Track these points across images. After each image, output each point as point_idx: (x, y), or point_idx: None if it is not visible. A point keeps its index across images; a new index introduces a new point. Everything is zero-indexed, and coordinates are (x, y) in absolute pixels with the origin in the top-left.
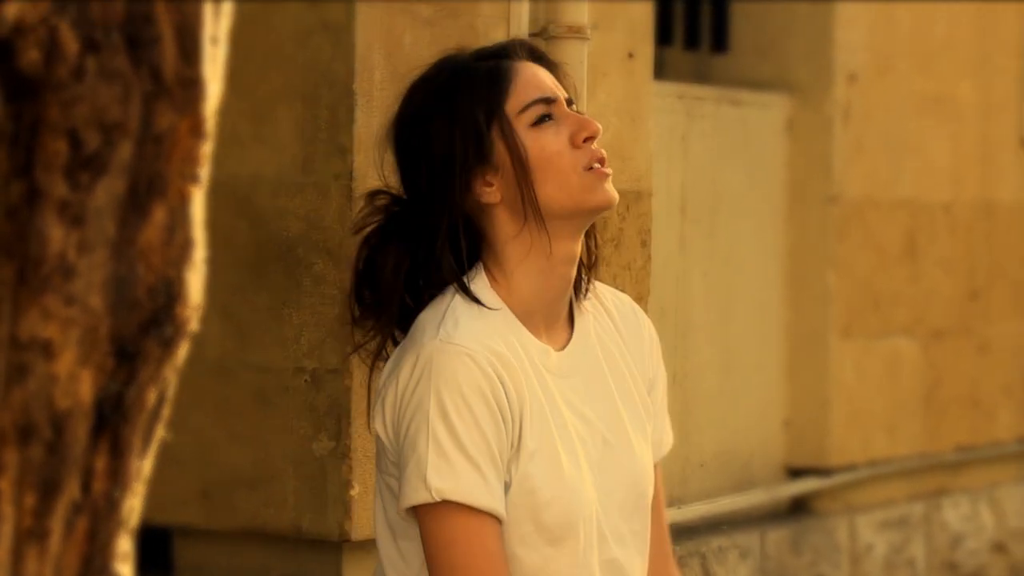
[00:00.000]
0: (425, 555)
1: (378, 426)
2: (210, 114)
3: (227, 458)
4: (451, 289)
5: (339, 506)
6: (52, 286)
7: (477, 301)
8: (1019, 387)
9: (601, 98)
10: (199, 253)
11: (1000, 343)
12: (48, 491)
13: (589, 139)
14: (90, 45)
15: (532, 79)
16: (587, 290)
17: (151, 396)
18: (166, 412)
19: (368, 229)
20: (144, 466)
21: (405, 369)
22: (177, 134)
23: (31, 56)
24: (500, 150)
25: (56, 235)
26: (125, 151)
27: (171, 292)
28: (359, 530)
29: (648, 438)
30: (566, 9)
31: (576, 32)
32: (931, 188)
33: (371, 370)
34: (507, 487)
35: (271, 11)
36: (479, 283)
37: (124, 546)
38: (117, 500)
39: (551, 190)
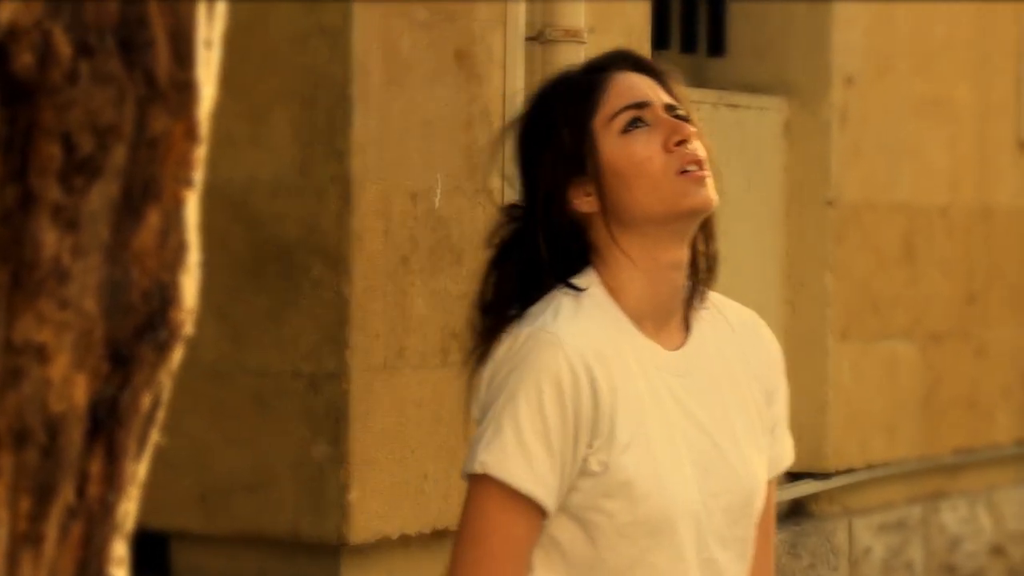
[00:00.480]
0: (459, 523)
1: (474, 412)
2: (204, 117)
3: (224, 462)
4: (561, 290)
5: (337, 510)
6: (46, 290)
7: (575, 289)
8: (1017, 390)
9: None
10: (193, 257)
11: (998, 346)
12: (43, 495)
13: (682, 142)
14: (83, 49)
15: (624, 87)
16: (702, 298)
17: (146, 400)
18: (161, 416)
19: (497, 241)
20: (139, 470)
21: (499, 353)
22: (171, 138)
23: (24, 60)
24: (592, 161)
25: (50, 239)
26: (119, 155)
27: (165, 296)
28: (357, 534)
29: (761, 450)
30: (563, 13)
31: (573, 36)
32: (929, 191)
33: (473, 371)
34: (600, 475)
35: (268, 14)
36: (587, 282)
37: (119, 550)
38: (112, 504)
39: (642, 196)
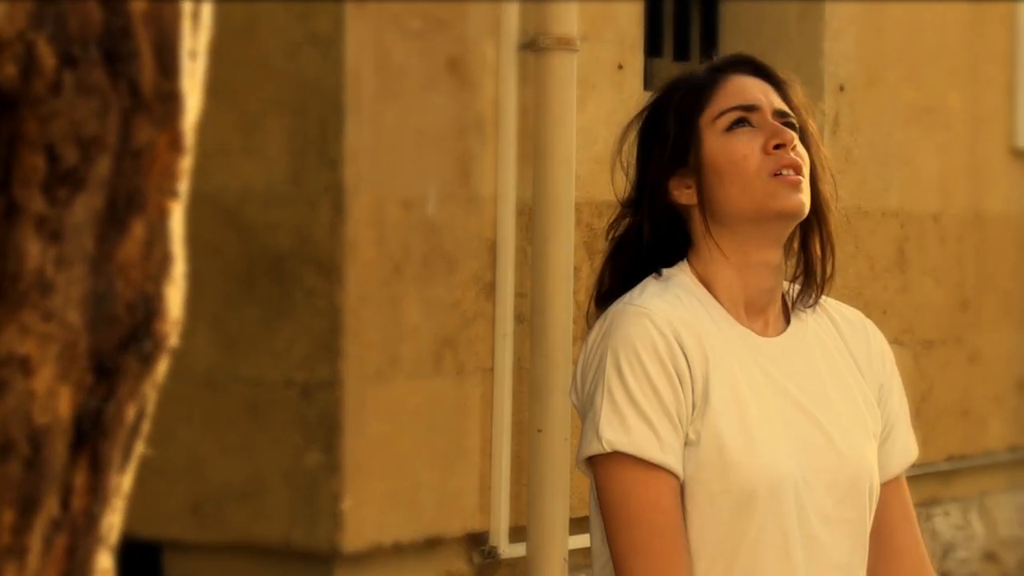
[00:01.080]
0: (601, 510)
1: (571, 396)
2: (189, 128)
3: (217, 471)
4: (647, 279)
5: (330, 519)
6: (30, 302)
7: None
8: (1010, 397)
9: (591, 110)
10: (178, 268)
11: (990, 353)
12: (27, 507)
13: (781, 146)
14: (67, 60)
15: (736, 89)
16: (809, 302)
17: (130, 412)
18: (146, 428)
19: (613, 235)
20: (124, 482)
21: (592, 334)
22: (156, 149)
23: (8, 71)
24: (693, 155)
25: (34, 251)
26: (103, 166)
27: (150, 307)
28: (350, 543)
29: (872, 438)
30: (555, 21)
31: (565, 44)
32: (921, 198)
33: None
34: (695, 444)
35: (260, 23)
36: (678, 270)
37: (104, 563)
38: (96, 516)
39: (735, 194)
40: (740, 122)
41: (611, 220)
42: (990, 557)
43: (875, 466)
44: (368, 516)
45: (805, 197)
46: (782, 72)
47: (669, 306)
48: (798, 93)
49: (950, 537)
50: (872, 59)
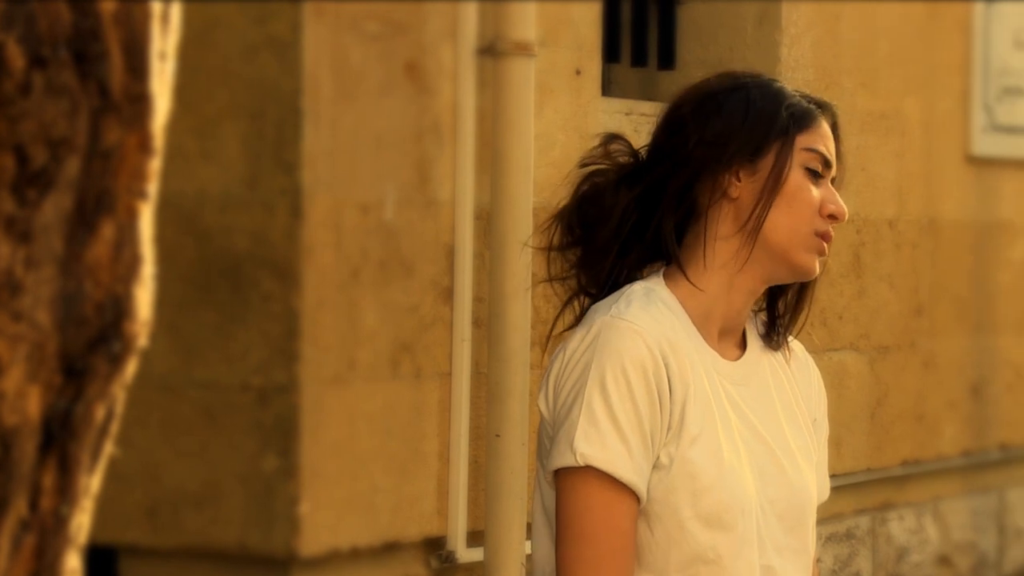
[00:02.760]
0: (556, 521)
1: (540, 402)
2: (158, 130)
3: (174, 476)
4: (627, 288)
5: (286, 524)
6: None
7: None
8: (963, 402)
9: (549, 115)
10: (147, 269)
11: (944, 358)
12: None
13: (832, 217)
14: (37, 60)
15: (826, 136)
16: (782, 343)
17: (99, 412)
18: (114, 428)
19: (595, 167)
20: (92, 483)
21: (573, 342)
22: (125, 150)
23: None
24: (769, 159)
25: (3, 251)
26: (72, 167)
27: (119, 308)
28: (307, 548)
29: (813, 467)
30: (513, 26)
31: (523, 49)
32: (876, 204)
33: (558, 315)
34: (666, 468)
35: (217, 27)
36: (654, 283)
37: (72, 563)
38: (65, 517)
39: (781, 220)
40: (815, 172)
41: (593, 152)
42: (944, 561)
43: (815, 497)
44: (325, 520)
45: (819, 268)
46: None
47: (656, 323)
48: (843, 156)
49: (904, 541)
50: (828, 65)
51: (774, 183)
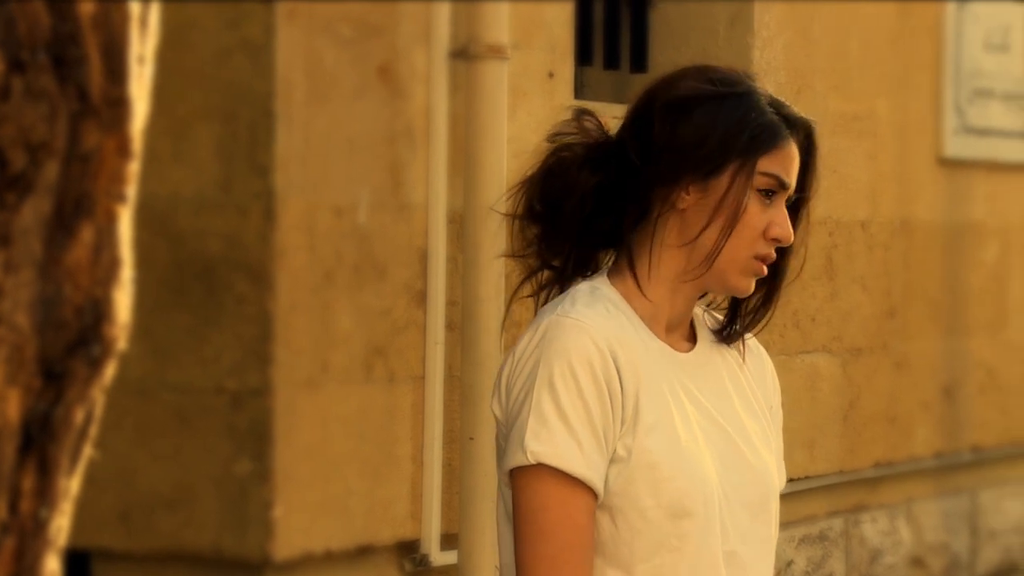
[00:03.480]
0: (514, 520)
1: (494, 405)
2: (137, 133)
3: (147, 479)
4: (572, 288)
5: (260, 527)
6: None
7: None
8: (936, 403)
9: (522, 117)
10: (126, 272)
11: (917, 360)
12: None
13: (777, 241)
14: (16, 65)
15: (790, 160)
16: (736, 339)
17: (78, 415)
18: (93, 431)
19: (565, 140)
20: (72, 485)
21: (522, 343)
22: (104, 153)
23: None
24: (724, 180)
25: None
26: (51, 171)
27: (98, 311)
28: (281, 551)
29: (772, 453)
30: (486, 29)
31: (496, 52)
32: (849, 206)
33: (534, 294)
34: (624, 460)
35: (190, 30)
36: (600, 282)
37: (52, 565)
38: (44, 520)
39: (720, 242)
40: (770, 195)
41: (563, 126)
42: (917, 563)
43: (777, 484)
44: (299, 524)
45: (752, 287)
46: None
47: (603, 319)
48: (815, 178)
49: (877, 543)
50: (800, 68)
51: (721, 204)
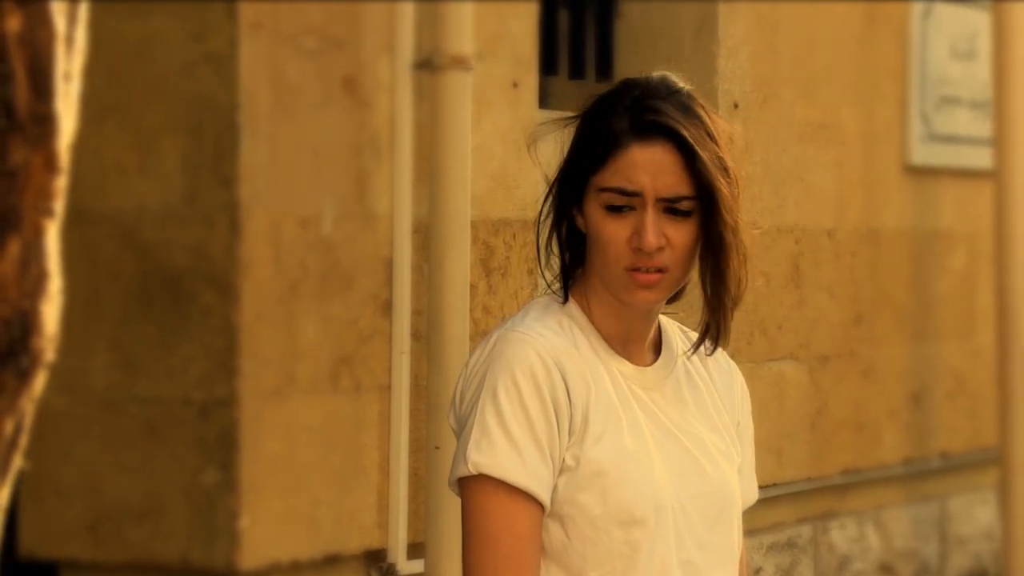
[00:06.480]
0: (462, 529)
1: (450, 418)
2: (64, 149)
3: (115, 490)
4: (529, 303)
5: (227, 537)
6: None
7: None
8: (903, 410)
9: (487, 128)
10: (54, 285)
11: (884, 367)
12: None
13: (637, 249)
14: None
15: (628, 165)
16: (710, 351)
17: (8, 427)
18: (24, 441)
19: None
20: (2, 495)
21: (473, 357)
22: (30, 169)
23: None
24: (581, 210)
25: None
26: None
27: (26, 324)
28: (248, 561)
29: (735, 467)
30: (450, 39)
31: (460, 62)
32: (815, 214)
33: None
34: (573, 469)
35: (154, 42)
36: (572, 297)
37: None
38: None
39: (600, 267)
40: (617, 208)
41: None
42: (886, 569)
43: (738, 494)
44: (266, 534)
45: (657, 293)
46: (699, 142)
47: (551, 332)
48: (707, 170)
49: (846, 550)
50: (766, 76)
51: (587, 226)
